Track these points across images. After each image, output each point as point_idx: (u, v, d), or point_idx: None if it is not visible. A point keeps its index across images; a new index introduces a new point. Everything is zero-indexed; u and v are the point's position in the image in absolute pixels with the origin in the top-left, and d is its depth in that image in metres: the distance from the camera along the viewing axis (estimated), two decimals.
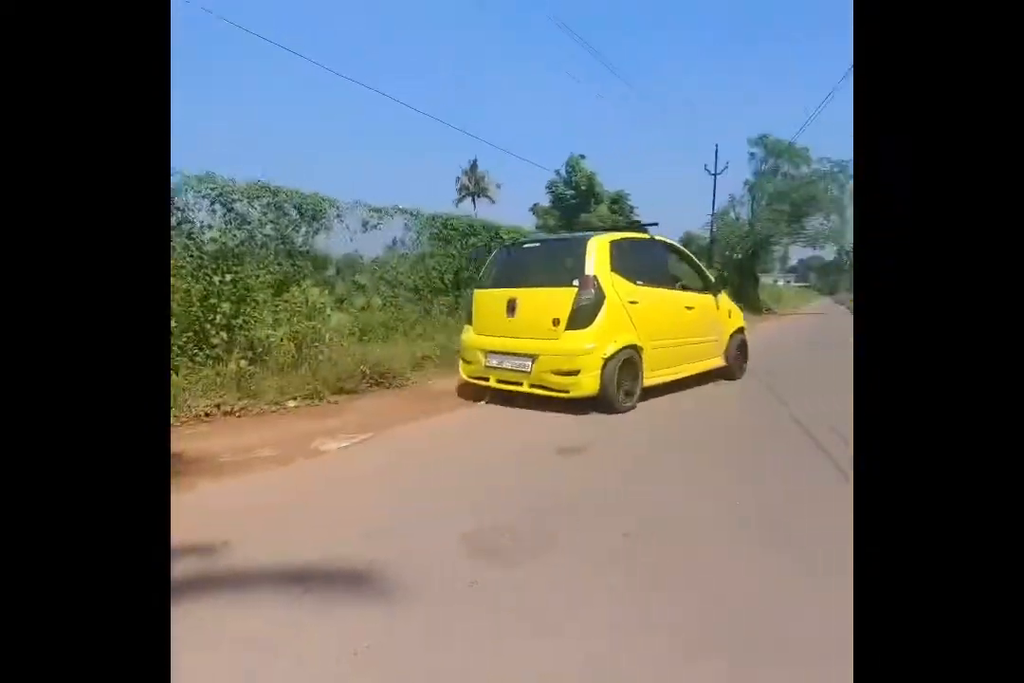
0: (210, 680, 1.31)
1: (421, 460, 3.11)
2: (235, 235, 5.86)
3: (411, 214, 7.17)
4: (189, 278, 4.72)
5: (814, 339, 11.56)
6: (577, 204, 29.90)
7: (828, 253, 36.79)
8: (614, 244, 4.36)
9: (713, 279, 5.74)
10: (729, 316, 5.69)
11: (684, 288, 5.09)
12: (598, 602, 1.63)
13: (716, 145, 23.35)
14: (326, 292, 6.11)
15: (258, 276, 5.34)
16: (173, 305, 4.29)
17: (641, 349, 4.31)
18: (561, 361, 4.01)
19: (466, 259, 7.74)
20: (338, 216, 6.33)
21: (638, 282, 4.42)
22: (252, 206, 6.04)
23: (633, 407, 4.26)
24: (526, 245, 5.00)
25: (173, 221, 5.32)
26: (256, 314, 4.94)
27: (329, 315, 5.88)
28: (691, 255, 5.68)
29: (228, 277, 4.89)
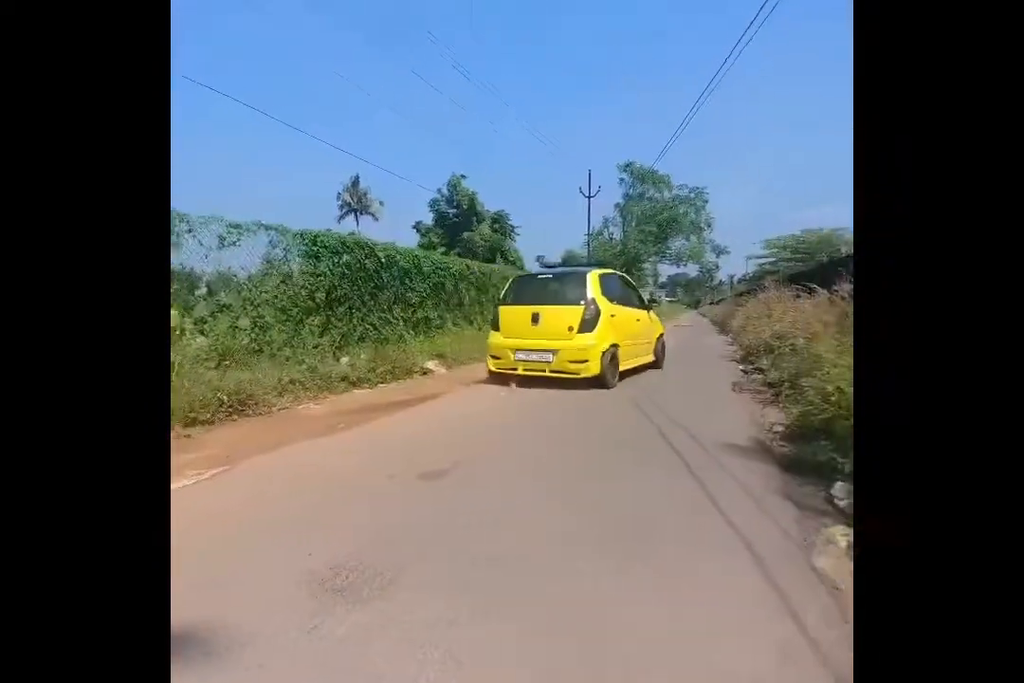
0: None
1: (277, 492, 2.85)
2: None
3: (276, 230, 6.73)
4: None
5: (693, 343, 13.59)
6: (459, 223, 30.20)
7: (692, 270, 40.38)
8: (600, 276, 6.53)
9: (646, 301, 8.10)
10: (655, 326, 8.07)
11: (633, 306, 7.29)
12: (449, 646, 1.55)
13: (589, 170, 24.76)
14: (184, 314, 5.55)
15: None
16: None
17: (618, 346, 6.40)
18: (576, 353, 5.98)
19: (339, 277, 7.42)
20: (189, 231, 5.77)
21: (613, 302, 6.51)
22: None
23: (615, 385, 6.30)
24: (539, 276, 6.98)
25: None
26: None
27: (188, 340, 5.33)
28: (634, 284, 8.06)
29: None
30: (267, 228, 6.71)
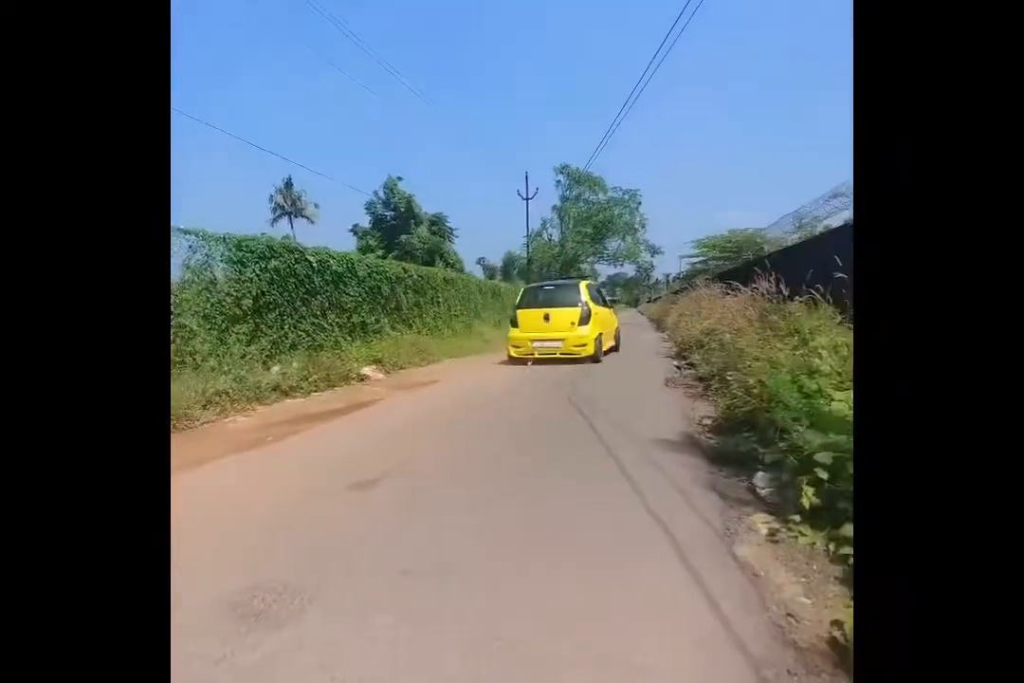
0: None
1: (199, 512, 2.69)
2: None
3: (196, 235, 6.38)
4: None
5: (632, 340, 13.88)
6: (397, 225, 29.75)
7: (629, 270, 41.46)
8: (587, 286, 9.44)
9: (608, 301, 11.08)
10: (615, 319, 11.05)
11: (603, 306, 10.03)
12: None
13: (526, 172, 24.99)
14: None
15: None
16: None
17: (601, 335, 9.05)
18: (578, 340, 8.62)
19: (267, 283, 7.11)
20: None
21: (595, 304, 9.28)
22: None
23: (600, 361, 8.87)
24: (544, 287, 9.96)
25: None
26: None
27: None
28: (601, 289, 11.41)
29: None
30: (185, 232, 6.35)
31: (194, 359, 6.02)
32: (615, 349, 10.44)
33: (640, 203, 29.98)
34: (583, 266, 32.42)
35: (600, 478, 2.97)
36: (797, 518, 2.21)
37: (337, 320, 8.59)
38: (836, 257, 4.48)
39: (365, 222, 31.24)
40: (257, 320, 6.97)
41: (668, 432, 3.90)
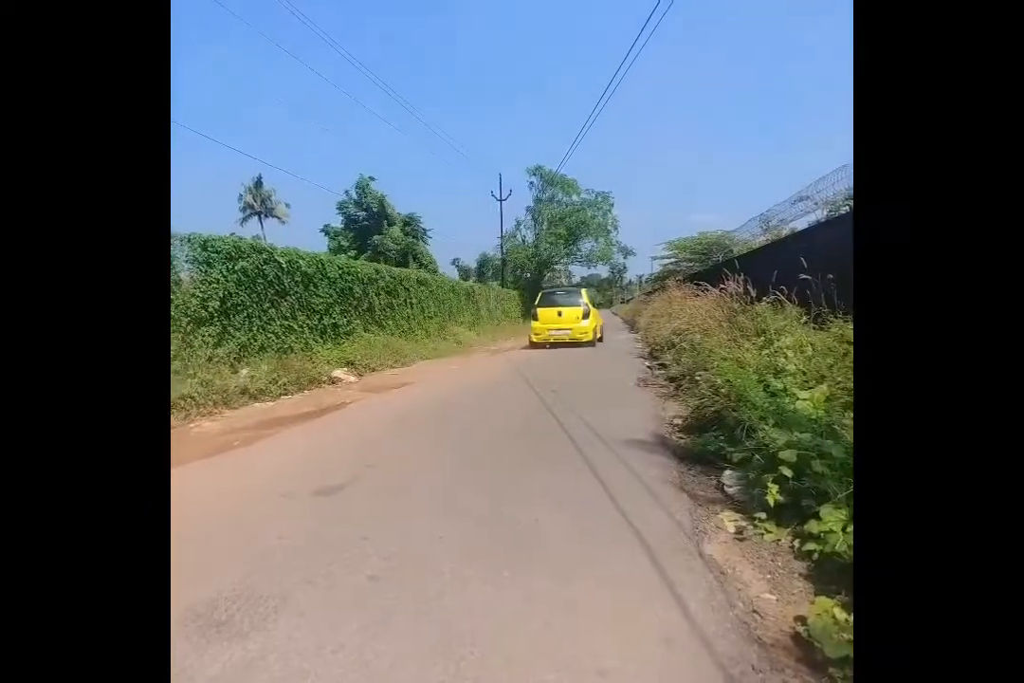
0: None
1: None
2: None
3: None
4: None
5: (611, 336, 14.47)
6: (370, 226, 29.43)
7: (603, 271, 41.78)
8: (585, 291, 13.53)
9: (596, 302, 14.47)
10: (599, 317, 14.22)
11: (595, 306, 13.48)
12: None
13: (500, 174, 24.99)
14: None
15: None
16: None
17: (596, 327, 12.81)
18: (582, 330, 12.05)
19: (235, 284, 6.95)
20: None
21: (591, 305, 12.87)
22: None
23: (595, 345, 12.23)
24: (557, 292, 13.69)
25: None
26: None
27: None
28: (590, 294, 14.31)
29: None
30: None
31: None
32: (600, 340, 13.41)
33: (612, 205, 30.28)
34: (557, 267, 32.53)
35: (572, 480, 2.97)
36: (763, 515, 2.25)
37: (308, 322, 8.45)
38: (802, 259, 4.59)
39: (337, 222, 30.84)
40: (224, 322, 6.81)
41: (639, 432, 3.94)
